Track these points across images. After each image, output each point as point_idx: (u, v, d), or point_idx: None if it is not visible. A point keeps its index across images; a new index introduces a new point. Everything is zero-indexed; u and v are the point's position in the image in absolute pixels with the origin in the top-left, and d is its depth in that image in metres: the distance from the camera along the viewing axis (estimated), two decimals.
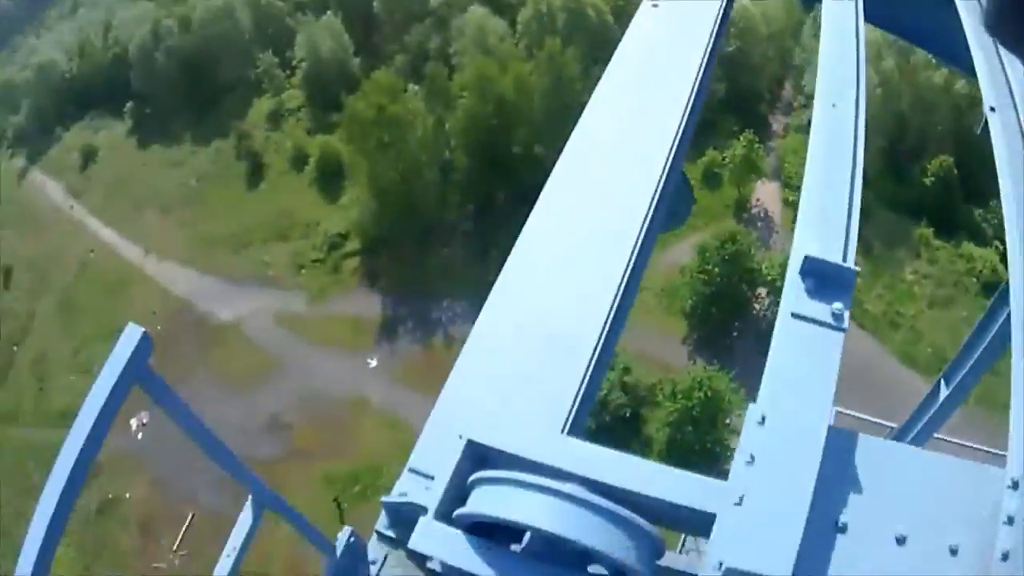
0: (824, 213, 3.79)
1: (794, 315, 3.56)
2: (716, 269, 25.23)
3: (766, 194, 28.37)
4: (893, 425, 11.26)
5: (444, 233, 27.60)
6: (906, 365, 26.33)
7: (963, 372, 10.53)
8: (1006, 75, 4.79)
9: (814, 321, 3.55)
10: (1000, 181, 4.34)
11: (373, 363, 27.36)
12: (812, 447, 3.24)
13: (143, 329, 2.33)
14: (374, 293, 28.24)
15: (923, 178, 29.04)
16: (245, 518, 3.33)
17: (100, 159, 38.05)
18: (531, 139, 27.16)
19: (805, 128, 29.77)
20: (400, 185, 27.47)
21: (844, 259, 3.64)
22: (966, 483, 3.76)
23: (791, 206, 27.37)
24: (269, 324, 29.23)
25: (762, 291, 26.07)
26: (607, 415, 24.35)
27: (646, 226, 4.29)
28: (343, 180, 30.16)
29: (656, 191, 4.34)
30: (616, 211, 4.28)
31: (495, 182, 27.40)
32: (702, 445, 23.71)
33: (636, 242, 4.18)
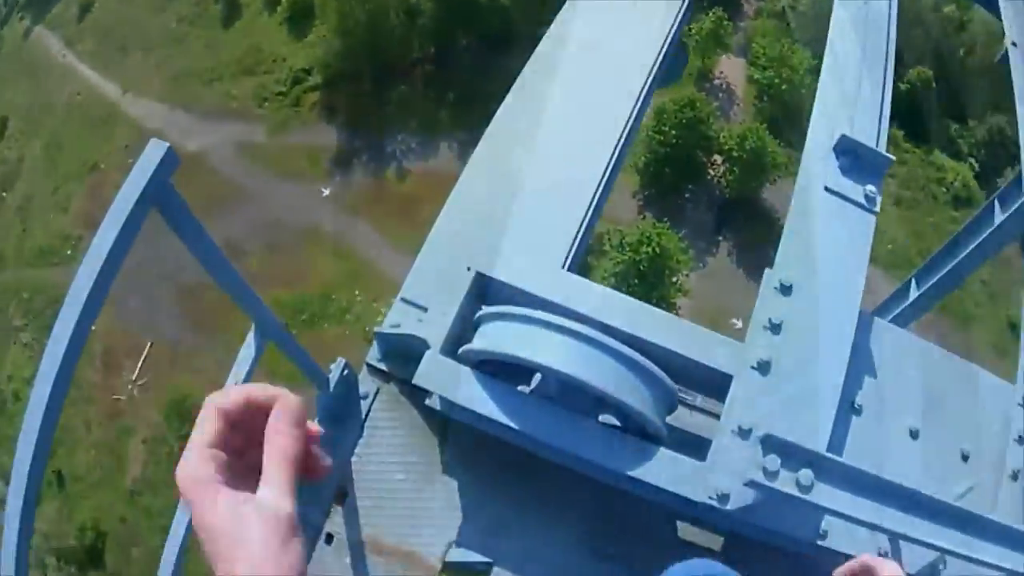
0: (858, 97, 3.81)
1: (828, 189, 3.63)
2: (673, 132, 25.73)
3: (730, 69, 28.75)
4: None
5: (404, 72, 28.02)
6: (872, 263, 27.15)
7: (938, 276, 10.98)
8: None
9: (848, 199, 3.64)
10: (1018, 109, 4.48)
11: (326, 192, 27.99)
12: (846, 324, 3.31)
13: (167, 144, 2.13)
14: (332, 126, 28.74)
15: (898, 82, 29.38)
16: (248, 349, 3.32)
17: (94, 9, 38.06)
18: None
19: (779, 13, 30.16)
20: (366, 25, 27.75)
21: (877, 144, 3.77)
22: (979, 391, 3.95)
23: (754, 83, 27.79)
24: (231, 155, 29.70)
25: (717, 159, 26.62)
26: None
27: (648, 80, 4.45)
28: (313, 20, 30.37)
29: (660, 50, 4.46)
30: (622, 63, 4.40)
31: (459, 27, 27.73)
32: (648, 300, 24.41)
33: (640, 94, 4.32)
